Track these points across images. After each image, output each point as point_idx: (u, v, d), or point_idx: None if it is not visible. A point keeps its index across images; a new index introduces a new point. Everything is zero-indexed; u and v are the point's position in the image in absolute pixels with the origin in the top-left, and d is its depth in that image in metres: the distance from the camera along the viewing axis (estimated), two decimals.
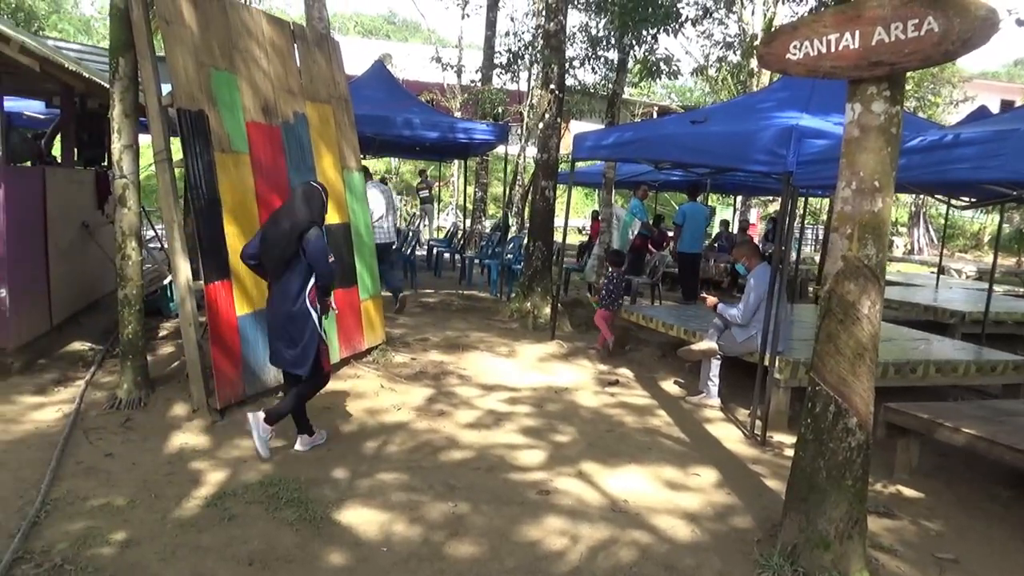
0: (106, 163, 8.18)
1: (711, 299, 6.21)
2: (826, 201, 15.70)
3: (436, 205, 20.25)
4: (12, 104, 8.32)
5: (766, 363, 5.39)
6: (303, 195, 4.34)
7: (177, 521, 3.54)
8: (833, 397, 3.31)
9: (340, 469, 4.29)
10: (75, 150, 7.78)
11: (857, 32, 3.15)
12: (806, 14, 10.76)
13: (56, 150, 8.42)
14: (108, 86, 5.20)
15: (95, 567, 3.08)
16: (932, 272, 15.65)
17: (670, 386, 6.61)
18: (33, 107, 9.53)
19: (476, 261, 12.55)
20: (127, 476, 4.01)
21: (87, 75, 6.61)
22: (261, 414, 4.36)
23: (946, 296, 10.74)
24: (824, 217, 19.16)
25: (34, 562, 3.07)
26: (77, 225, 6.98)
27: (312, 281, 4.28)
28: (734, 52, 15.84)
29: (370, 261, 6.85)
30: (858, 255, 3.22)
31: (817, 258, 15.09)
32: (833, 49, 3.25)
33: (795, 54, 3.41)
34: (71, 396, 5.18)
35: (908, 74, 4.24)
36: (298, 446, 4.54)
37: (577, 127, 18.25)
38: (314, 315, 4.29)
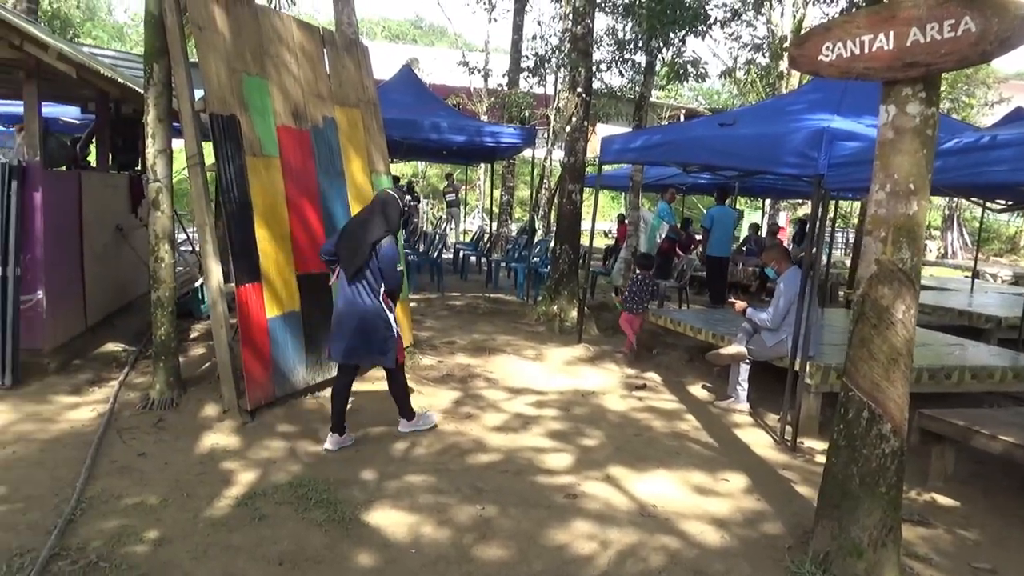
0: (139, 167, 8.32)
1: (739, 304, 6.15)
2: (857, 204, 15.49)
3: (463, 209, 20.32)
4: (49, 110, 8.49)
5: (796, 368, 5.32)
6: (382, 203, 4.63)
7: (208, 520, 3.59)
8: (866, 403, 3.26)
9: (368, 470, 4.31)
10: (109, 155, 7.93)
11: (891, 33, 3.11)
12: (837, 15, 10.64)
13: (91, 155, 8.58)
14: (142, 92, 5.29)
15: (129, 564, 3.13)
16: (966, 276, 15.38)
17: (698, 390, 6.56)
18: (69, 113, 9.73)
19: (502, 264, 12.57)
20: (160, 475, 4.07)
21: (122, 81, 6.74)
22: (403, 420, 4.96)
23: (981, 301, 10.54)
24: (855, 220, 18.89)
25: (70, 559, 3.13)
26: (111, 228, 7.11)
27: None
28: (763, 54, 15.70)
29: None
30: (892, 259, 3.18)
31: (848, 262, 14.90)
32: (867, 50, 3.21)
33: (827, 55, 3.37)
34: (105, 396, 5.27)
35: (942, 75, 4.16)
36: (402, 427, 4.92)
37: (604, 130, 18.20)
38: (389, 313, 4.63)
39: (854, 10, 6.39)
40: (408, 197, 15.01)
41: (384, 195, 4.70)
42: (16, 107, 8.54)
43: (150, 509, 3.66)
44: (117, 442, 4.50)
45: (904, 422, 3.27)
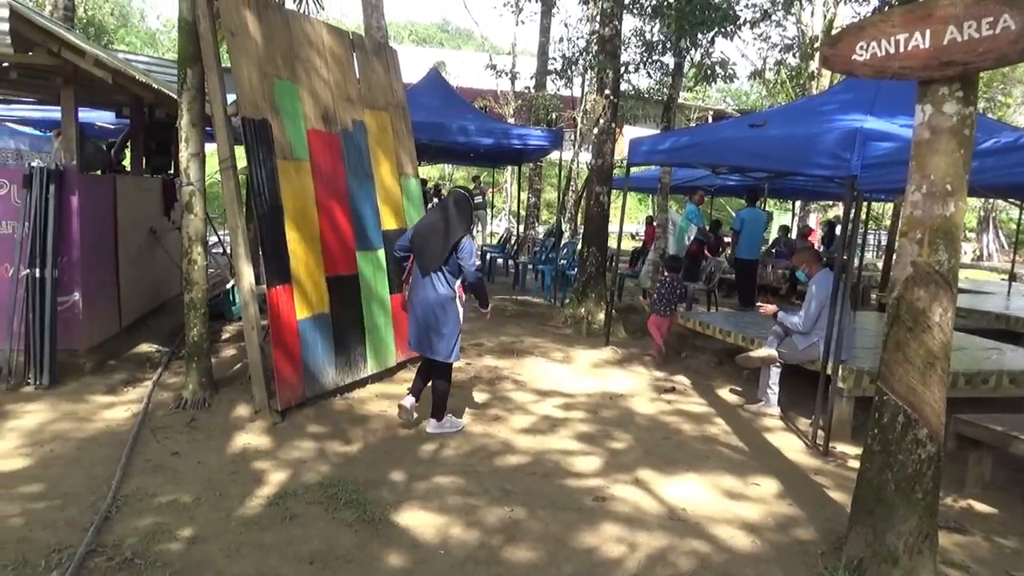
0: (172, 171, 8.46)
1: (769, 307, 6.08)
2: (889, 206, 15.27)
3: (489, 211, 20.36)
4: (85, 115, 8.66)
5: (828, 371, 5.25)
6: (456, 203, 4.89)
7: (241, 519, 3.63)
8: (902, 407, 3.21)
9: (397, 471, 4.33)
10: (143, 159, 8.07)
11: (928, 31, 3.06)
12: (869, 14, 10.49)
13: (125, 159, 8.74)
14: (175, 96, 5.38)
15: (163, 562, 3.17)
16: (1003, 279, 15.05)
17: (728, 394, 6.50)
18: (104, 118, 9.91)
19: (529, 266, 12.56)
20: (193, 474, 4.13)
21: (155, 86, 6.85)
22: (432, 419, 5.00)
23: (1019, 304, 10.32)
24: (887, 222, 18.60)
25: (106, 555, 3.18)
26: (145, 231, 7.23)
27: (460, 280, 4.92)
28: (793, 55, 15.53)
29: None
30: (929, 260, 3.12)
31: (880, 264, 14.68)
32: (902, 49, 3.16)
33: (861, 55, 3.33)
34: (139, 396, 5.35)
35: None
36: (430, 428, 5.01)
37: (631, 132, 18.14)
38: (460, 308, 4.91)
39: (887, 8, 6.30)
40: (435, 201, 15.07)
41: (458, 195, 4.97)
42: (53, 112, 8.73)
43: (183, 507, 3.71)
44: (151, 441, 4.57)
45: (941, 427, 3.21)
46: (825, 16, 17.22)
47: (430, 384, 5.04)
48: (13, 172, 5.65)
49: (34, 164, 5.70)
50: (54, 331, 5.42)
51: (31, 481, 3.88)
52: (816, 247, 13.29)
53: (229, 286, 7.64)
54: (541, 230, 17.84)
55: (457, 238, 4.77)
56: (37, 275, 5.37)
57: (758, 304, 6.75)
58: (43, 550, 3.18)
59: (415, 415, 5.05)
